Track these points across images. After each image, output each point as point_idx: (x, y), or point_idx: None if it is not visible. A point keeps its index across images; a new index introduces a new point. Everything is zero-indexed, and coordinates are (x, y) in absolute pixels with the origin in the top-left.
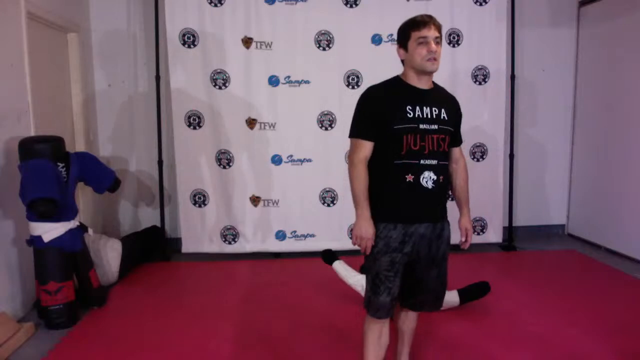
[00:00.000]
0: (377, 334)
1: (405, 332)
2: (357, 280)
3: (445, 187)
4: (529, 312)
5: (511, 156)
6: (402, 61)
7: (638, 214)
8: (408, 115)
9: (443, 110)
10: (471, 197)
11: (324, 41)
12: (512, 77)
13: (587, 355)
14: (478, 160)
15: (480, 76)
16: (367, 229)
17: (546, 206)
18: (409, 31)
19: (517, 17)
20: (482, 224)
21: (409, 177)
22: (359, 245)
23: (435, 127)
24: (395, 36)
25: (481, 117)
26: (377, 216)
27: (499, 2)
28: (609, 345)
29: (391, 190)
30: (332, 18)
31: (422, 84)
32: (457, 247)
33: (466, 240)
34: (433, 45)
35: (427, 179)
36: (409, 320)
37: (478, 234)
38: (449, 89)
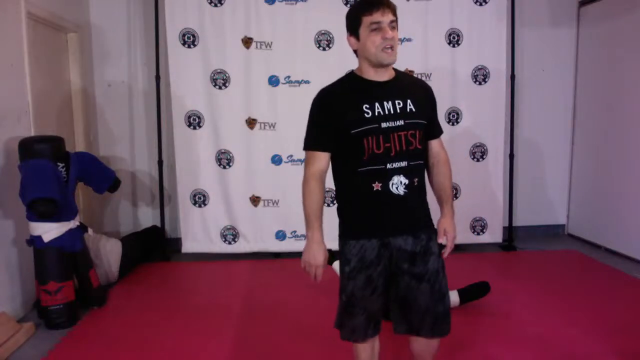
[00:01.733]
0: None
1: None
2: None
3: (422, 190)
4: (529, 312)
5: (511, 156)
6: (355, 52)
7: (638, 214)
8: (365, 115)
9: (409, 101)
10: (471, 197)
11: (324, 41)
12: (512, 77)
13: (587, 355)
14: (478, 160)
15: (480, 76)
16: (316, 255)
17: (546, 206)
18: (360, 16)
19: (517, 17)
20: (482, 224)
21: (376, 186)
22: (309, 273)
23: (401, 122)
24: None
25: (481, 117)
26: (349, 232)
27: (499, 2)
28: (609, 345)
29: (359, 202)
30: (332, 18)
31: (380, 75)
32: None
33: (446, 245)
34: (389, 32)
35: (397, 184)
36: (421, 346)
37: (478, 234)
38: (448, 89)
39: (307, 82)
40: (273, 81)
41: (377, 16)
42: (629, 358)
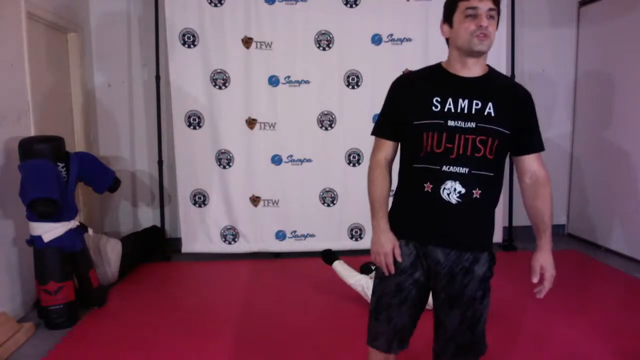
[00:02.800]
0: None
1: None
2: (357, 280)
3: (483, 206)
4: (529, 312)
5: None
6: (447, 41)
7: (638, 214)
8: (434, 108)
9: (491, 104)
10: None
11: (324, 41)
12: (512, 77)
13: (587, 355)
14: None
15: None
16: (385, 243)
17: None
18: (457, 1)
19: (517, 17)
20: None
21: (427, 187)
22: (378, 263)
23: (472, 125)
24: (395, 36)
25: None
26: (391, 227)
27: None
28: (609, 345)
29: (406, 199)
30: (332, 18)
31: (467, 70)
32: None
33: (541, 283)
34: (484, 20)
35: (450, 190)
36: None
37: None
38: None
39: (307, 82)
40: (273, 81)
41: (474, 1)
42: (629, 358)
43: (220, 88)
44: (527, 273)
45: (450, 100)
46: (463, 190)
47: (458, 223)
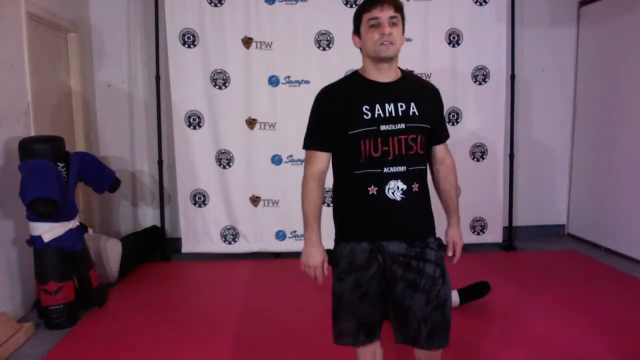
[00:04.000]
0: None
1: None
2: None
3: (422, 197)
4: (529, 312)
5: (511, 156)
6: (361, 50)
7: (638, 214)
8: (365, 116)
9: (413, 104)
10: (471, 197)
11: (324, 41)
12: (512, 77)
13: (586, 355)
14: (478, 160)
15: (480, 76)
16: (316, 256)
17: (546, 206)
18: (360, 14)
19: (517, 17)
20: (482, 224)
21: (372, 189)
22: (309, 275)
23: (402, 126)
24: None
25: (481, 117)
26: (341, 234)
27: (499, 2)
28: (609, 345)
29: (353, 204)
30: (332, 18)
31: (383, 75)
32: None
33: (453, 255)
34: (386, 27)
35: (394, 189)
36: (423, 356)
37: (478, 234)
38: (448, 89)
39: (307, 82)
40: (273, 81)
41: (375, 12)
42: (629, 358)
43: (220, 88)
44: (527, 273)
45: (377, 106)
46: (405, 187)
47: (406, 217)
